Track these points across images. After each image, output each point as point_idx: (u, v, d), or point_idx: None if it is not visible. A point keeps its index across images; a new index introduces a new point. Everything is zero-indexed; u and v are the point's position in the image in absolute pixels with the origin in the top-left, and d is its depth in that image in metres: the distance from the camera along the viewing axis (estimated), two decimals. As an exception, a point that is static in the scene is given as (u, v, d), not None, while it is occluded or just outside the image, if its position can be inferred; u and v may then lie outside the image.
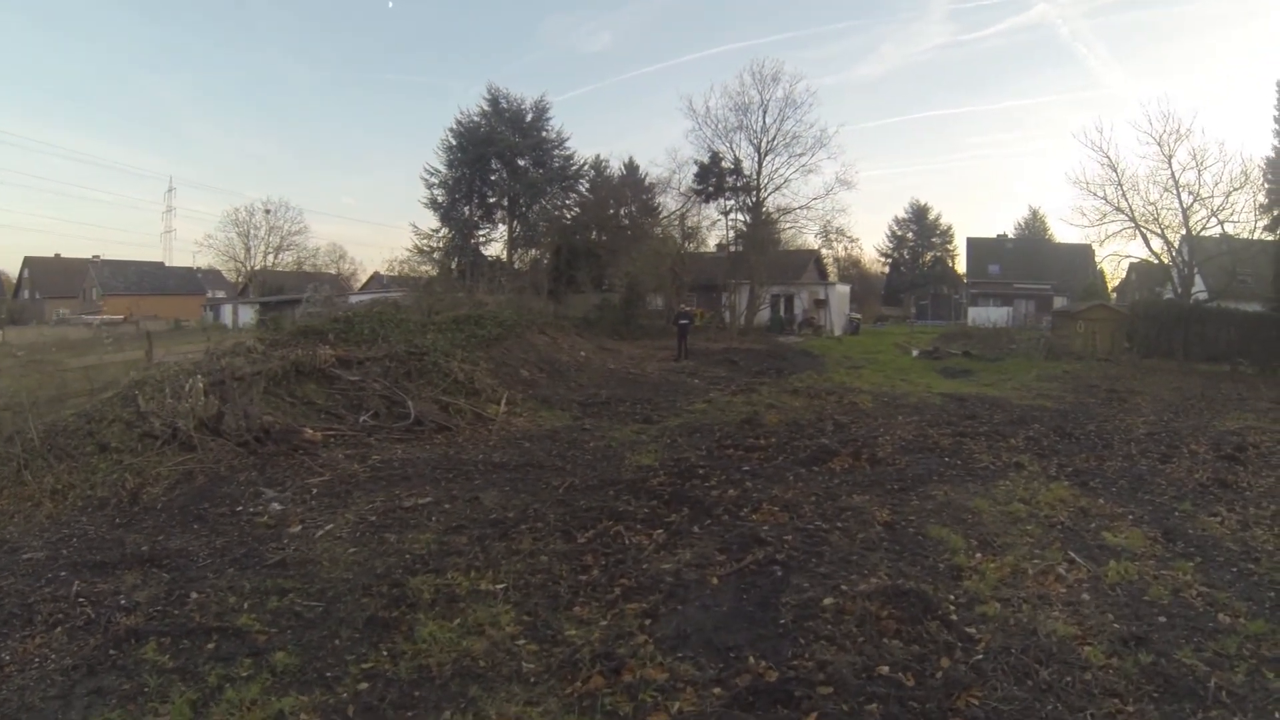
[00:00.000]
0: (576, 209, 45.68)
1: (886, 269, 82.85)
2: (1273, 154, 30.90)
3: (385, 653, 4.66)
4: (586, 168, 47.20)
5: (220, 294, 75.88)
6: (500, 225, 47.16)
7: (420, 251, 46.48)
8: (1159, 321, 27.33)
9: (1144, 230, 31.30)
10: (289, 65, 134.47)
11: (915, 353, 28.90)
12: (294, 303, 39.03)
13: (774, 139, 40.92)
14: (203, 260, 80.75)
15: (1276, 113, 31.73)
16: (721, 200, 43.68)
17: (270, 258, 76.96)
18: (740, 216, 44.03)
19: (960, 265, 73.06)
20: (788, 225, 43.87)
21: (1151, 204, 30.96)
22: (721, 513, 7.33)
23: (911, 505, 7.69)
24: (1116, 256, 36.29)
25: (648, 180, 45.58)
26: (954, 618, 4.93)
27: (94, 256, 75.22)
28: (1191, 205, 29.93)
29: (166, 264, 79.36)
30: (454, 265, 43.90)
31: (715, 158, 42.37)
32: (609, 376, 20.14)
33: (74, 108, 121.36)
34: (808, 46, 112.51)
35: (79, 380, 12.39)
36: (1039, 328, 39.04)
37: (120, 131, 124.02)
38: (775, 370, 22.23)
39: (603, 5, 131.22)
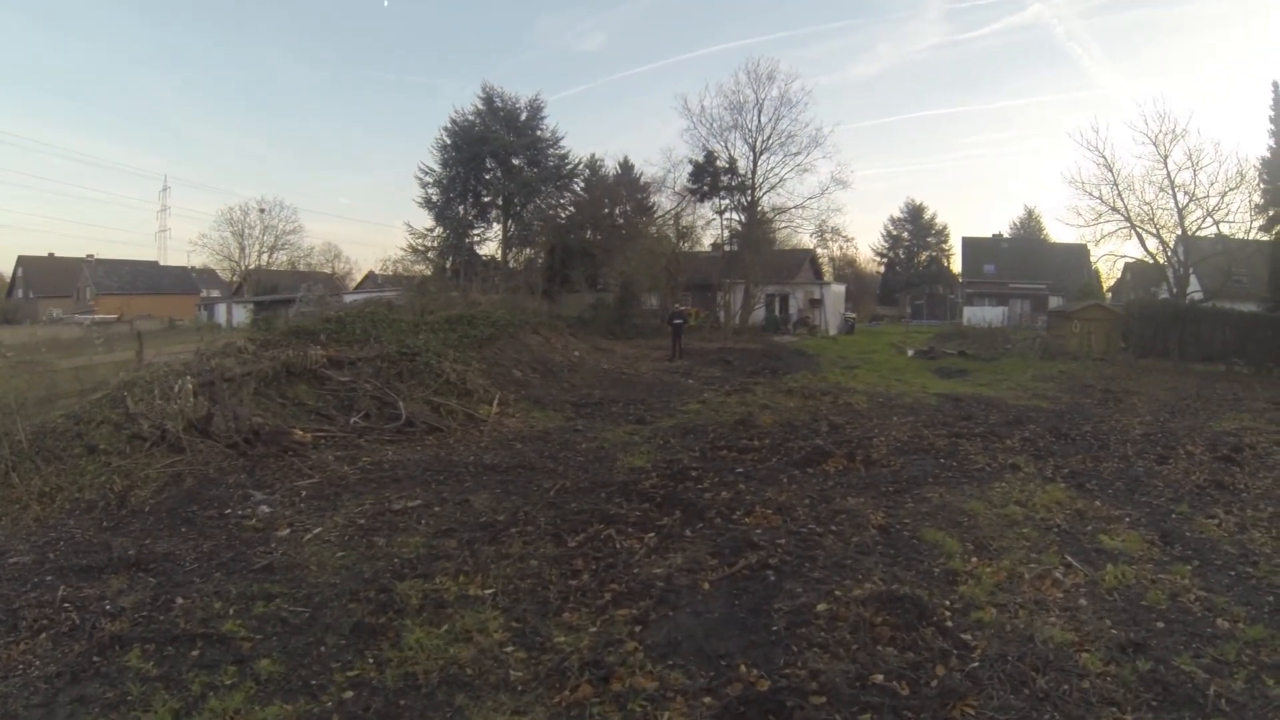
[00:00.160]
0: (571, 208, 45.52)
1: (882, 268, 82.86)
2: (1268, 154, 30.94)
3: (371, 660, 4.58)
4: (581, 167, 47.09)
5: (215, 293, 75.62)
6: (495, 224, 47.01)
7: (415, 251, 46.31)
8: (1154, 321, 27.33)
9: (1139, 230, 31.31)
10: (284, 64, 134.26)
11: (910, 353, 28.85)
12: (288, 302, 38.92)
13: (769, 138, 40.82)
14: (197, 259, 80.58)
15: (1272, 113, 31.80)
16: (716, 199, 43.51)
17: (265, 257, 76.73)
18: (735, 216, 43.90)
19: (955, 265, 73.17)
20: (783, 225, 43.77)
21: (1147, 204, 30.97)
22: (714, 516, 7.27)
23: (906, 508, 7.62)
24: (1112, 256, 36.38)
25: (642, 179, 45.47)
26: (949, 624, 4.87)
27: (88, 256, 74.94)
28: (1187, 205, 29.95)
29: (161, 263, 79.13)
30: (448, 265, 43.71)
31: (710, 157, 42.24)
32: (602, 377, 20.06)
33: (69, 106, 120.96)
34: (803, 46, 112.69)
35: (69, 381, 12.28)
36: (1034, 327, 39.04)
37: (115, 130, 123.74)
38: (770, 370, 22.16)
39: (597, 4, 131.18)
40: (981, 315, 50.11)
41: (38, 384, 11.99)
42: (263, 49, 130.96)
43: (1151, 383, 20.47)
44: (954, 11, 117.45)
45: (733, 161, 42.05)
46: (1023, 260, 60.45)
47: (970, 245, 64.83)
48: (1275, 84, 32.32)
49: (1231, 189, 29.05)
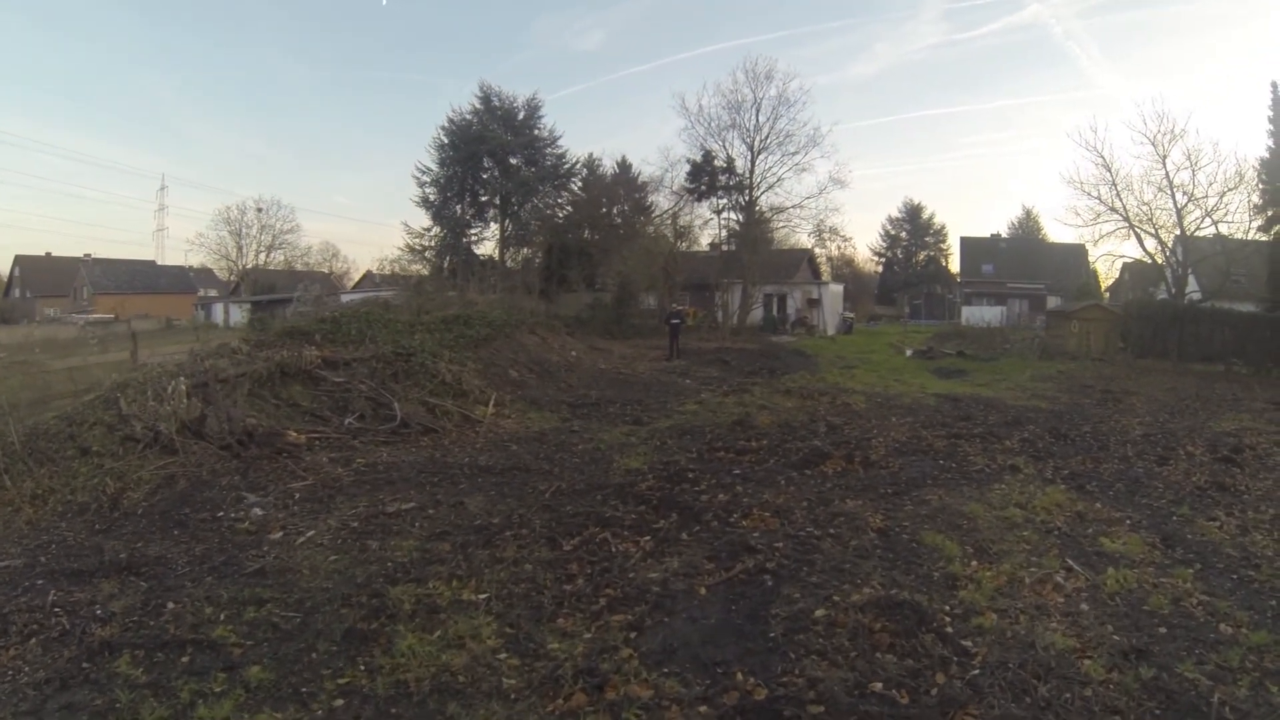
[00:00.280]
0: (569, 208, 45.51)
1: (880, 268, 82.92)
2: (1267, 154, 30.93)
3: (362, 667, 4.50)
4: (579, 166, 47.07)
5: (212, 293, 75.55)
6: (492, 224, 46.95)
7: (412, 250, 46.28)
8: (1153, 322, 27.29)
9: (1138, 230, 31.28)
10: (282, 63, 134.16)
11: (909, 352, 28.82)
12: (285, 302, 38.84)
13: (767, 137, 40.75)
14: (195, 259, 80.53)
15: (1271, 113, 31.80)
16: (714, 199, 43.48)
17: (262, 256, 76.69)
18: (733, 215, 43.89)
19: (954, 264, 73.21)
20: (781, 224, 43.77)
21: (1146, 204, 30.94)
22: (711, 518, 7.19)
23: (905, 510, 7.55)
24: (1110, 256, 36.36)
25: (640, 179, 45.50)
26: (949, 630, 4.79)
27: (85, 255, 74.86)
28: (1186, 205, 29.92)
29: (159, 262, 79.05)
30: (446, 264, 43.66)
31: (708, 156, 42.20)
32: (599, 377, 19.98)
33: (67, 106, 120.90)
34: (801, 45, 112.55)
35: (63, 382, 12.23)
36: (1033, 327, 39.00)
37: (113, 129, 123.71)
38: (768, 370, 22.10)
39: (595, 4, 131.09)
40: (980, 315, 50.06)
41: (31, 385, 11.95)
42: (261, 48, 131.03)
43: (1150, 383, 20.43)
44: (952, 11, 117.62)
45: (730, 161, 42.03)
46: (1021, 260, 60.47)
47: (968, 245, 64.88)
48: (1274, 84, 32.36)
49: (1230, 189, 29.05)
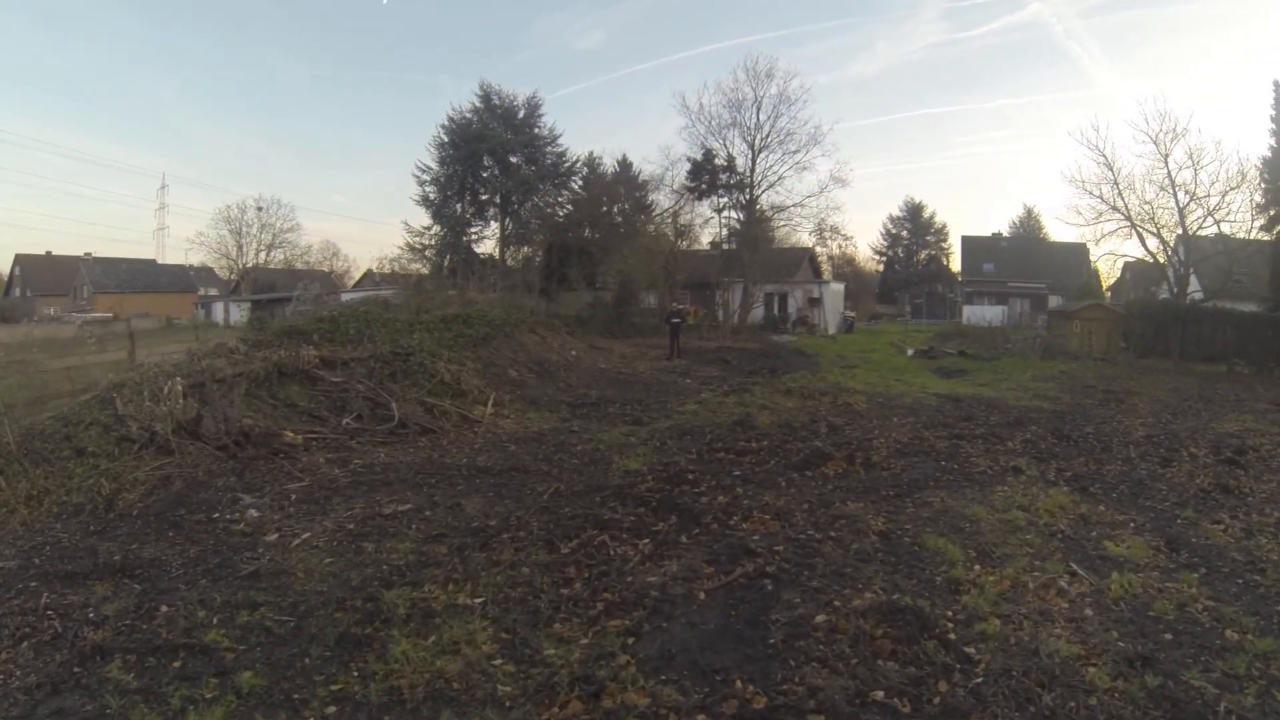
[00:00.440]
0: (569, 206, 45.43)
1: (881, 267, 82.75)
2: (1269, 153, 30.75)
3: (356, 673, 4.44)
4: (579, 165, 47.01)
5: (213, 291, 75.50)
6: (492, 223, 46.94)
7: (412, 249, 46.28)
8: (1155, 321, 27.21)
9: (1140, 229, 31.20)
10: (282, 63, 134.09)
11: (910, 352, 28.73)
12: (285, 301, 38.78)
13: (768, 136, 40.66)
14: (195, 258, 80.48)
15: (1273, 112, 31.59)
16: (715, 198, 43.44)
17: (262, 255, 76.71)
18: (734, 214, 43.85)
19: (955, 263, 73.10)
20: (782, 223, 43.67)
21: (1147, 203, 30.87)
22: (710, 521, 7.12)
23: (907, 513, 7.48)
24: (1112, 256, 36.27)
25: (641, 177, 45.39)
26: (952, 636, 4.72)
27: (85, 254, 74.77)
28: (1188, 205, 29.84)
29: (159, 261, 78.97)
30: (446, 263, 43.63)
31: (709, 155, 42.14)
32: (599, 376, 19.90)
33: (67, 105, 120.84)
34: (802, 44, 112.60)
35: (60, 381, 12.16)
36: (1034, 327, 38.92)
37: (113, 128, 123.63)
38: (768, 370, 22.03)
39: (595, 3, 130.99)
40: (981, 314, 49.99)
41: (28, 384, 11.89)
42: (261, 48, 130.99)
43: (1153, 383, 20.35)
44: (952, 10, 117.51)
45: (731, 159, 41.98)
46: (1022, 259, 60.36)
47: (969, 244, 64.76)
48: (1276, 83, 32.11)
49: (1232, 188, 28.98)
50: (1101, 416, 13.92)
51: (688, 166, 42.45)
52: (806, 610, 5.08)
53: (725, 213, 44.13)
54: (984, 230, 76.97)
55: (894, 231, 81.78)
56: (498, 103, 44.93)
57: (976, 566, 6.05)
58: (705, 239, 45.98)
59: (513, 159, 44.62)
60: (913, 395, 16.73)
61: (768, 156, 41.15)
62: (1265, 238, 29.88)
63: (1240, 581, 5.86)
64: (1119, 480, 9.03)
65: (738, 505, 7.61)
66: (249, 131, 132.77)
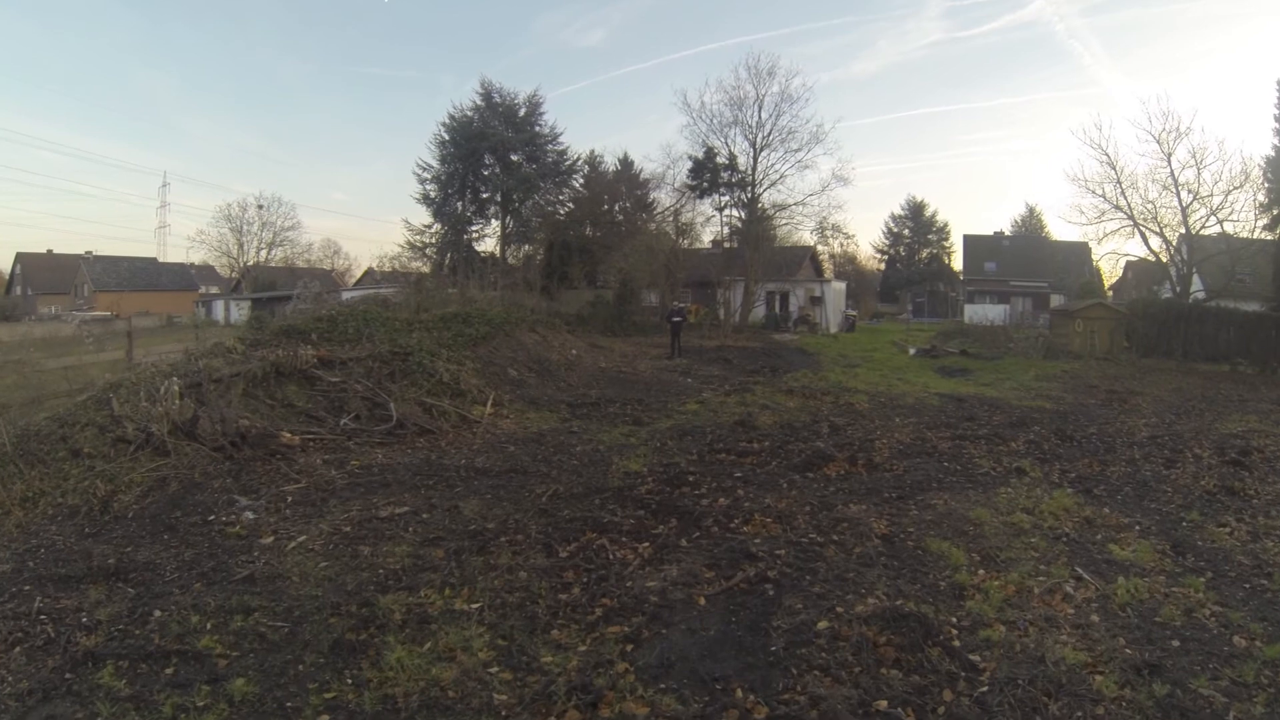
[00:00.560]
0: (570, 205, 45.38)
1: (882, 266, 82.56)
2: (1273, 153, 30.56)
3: (350, 681, 4.36)
4: (580, 163, 47.00)
5: (214, 290, 75.55)
6: (493, 221, 46.95)
7: (413, 247, 46.28)
8: (1158, 321, 27.11)
9: (1143, 228, 31.17)
10: (284, 61, 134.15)
11: (912, 351, 28.63)
12: (285, 299, 38.74)
13: (769, 134, 40.57)
14: (196, 256, 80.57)
15: (1277, 111, 31.43)
16: (716, 196, 43.37)
17: (263, 253, 76.70)
18: (735, 212, 43.76)
19: (957, 262, 72.95)
20: (783, 221, 43.50)
21: (1150, 202, 30.85)
22: (711, 524, 7.03)
23: (910, 515, 7.40)
24: (1114, 255, 36.25)
25: (642, 176, 45.33)
26: (957, 644, 4.64)
27: (86, 252, 74.79)
28: (1191, 204, 29.82)
29: (160, 260, 78.95)
30: (446, 261, 43.59)
31: (710, 153, 42.04)
32: (600, 375, 19.81)
33: (68, 103, 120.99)
34: (803, 42, 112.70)
35: (57, 381, 12.07)
36: (1036, 325, 38.80)
37: (114, 127, 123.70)
38: (770, 369, 21.96)
39: (596, 1, 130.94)
40: (983, 313, 49.85)
41: (25, 384, 11.80)
42: (263, 46, 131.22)
43: (1155, 383, 20.26)
44: (954, 9, 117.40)
45: (733, 158, 41.90)
46: (1024, 258, 60.26)
47: (971, 242, 64.65)
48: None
49: (1235, 188, 28.96)
50: (1105, 417, 13.84)
51: (689, 165, 42.44)
52: (808, 616, 5.00)
53: (727, 211, 44.12)
54: (986, 229, 77.09)
55: (896, 230, 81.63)
56: (499, 101, 44.89)
57: (981, 571, 5.97)
58: (707, 237, 45.93)
59: (514, 157, 44.59)
60: (915, 395, 16.66)
61: (769, 155, 41.13)
62: (1268, 237, 29.79)
63: (1247, 586, 5.79)
64: (1123, 482, 8.95)
65: (739, 508, 7.53)
66: (250, 129, 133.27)
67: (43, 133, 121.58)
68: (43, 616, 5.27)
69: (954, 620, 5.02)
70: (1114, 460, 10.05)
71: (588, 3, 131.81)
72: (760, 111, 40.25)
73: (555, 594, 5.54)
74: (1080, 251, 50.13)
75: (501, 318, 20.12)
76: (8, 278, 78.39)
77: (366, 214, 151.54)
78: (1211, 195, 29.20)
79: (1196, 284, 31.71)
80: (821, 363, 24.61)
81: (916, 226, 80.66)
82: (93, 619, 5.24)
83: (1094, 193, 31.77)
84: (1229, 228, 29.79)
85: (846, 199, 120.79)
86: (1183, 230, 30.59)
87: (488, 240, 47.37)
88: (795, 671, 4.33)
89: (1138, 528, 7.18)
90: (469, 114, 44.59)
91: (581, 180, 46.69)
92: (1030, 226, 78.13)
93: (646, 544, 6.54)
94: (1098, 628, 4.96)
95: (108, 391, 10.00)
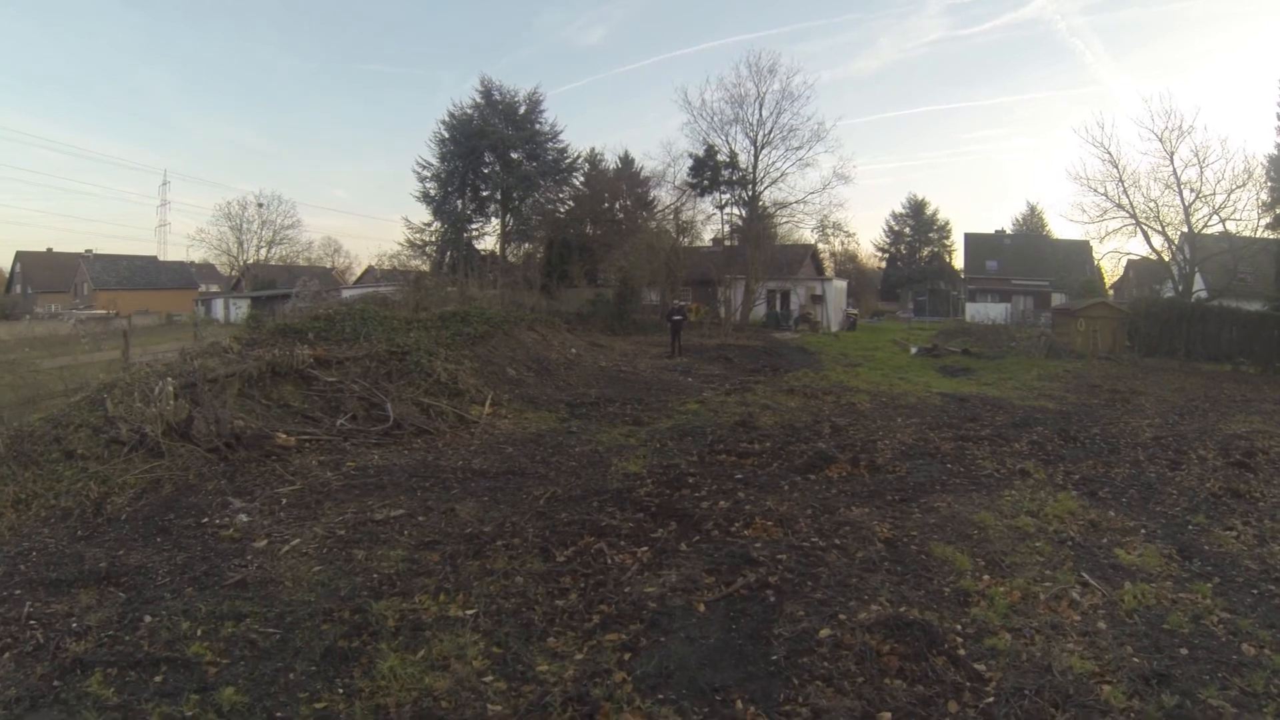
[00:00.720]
0: (570, 203, 45.21)
1: (884, 264, 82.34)
2: (1275, 151, 30.46)
3: (341, 690, 4.27)
4: (581, 161, 46.83)
5: (214, 288, 75.42)
6: (493, 219, 46.83)
7: (412, 245, 46.15)
8: (1160, 320, 27.00)
9: (1145, 227, 31.07)
10: (283, 58, 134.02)
11: (914, 350, 28.52)
12: (285, 297, 38.65)
13: (770, 132, 40.53)
14: (196, 254, 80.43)
15: (1279, 110, 31.38)
16: (717, 194, 43.25)
17: (263, 251, 76.58)
18: (736, 210, 43.68)
19: (958, 261, 72.75)
20: (784, 220, 43.44)
21: (1152, 201, 30.72)
22: (711, 527, 6.94)
23: (913, 519, 7.30)
24: (1116, 254, 36.10)
25: (642, 174, 45.16)
26: (962, 652, 4.54)
27: (86, 251, 74.71)
28: (1193, 202, 29.69)
29: (160, 258, 78.83)
30: (446, 259, 43.48)
31: (711, 151, 41.94)
32: (599, 375, 19.69)
33: (68, 102, 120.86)
34: (804, 40, 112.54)
35: (53, 381, 11.95)
36: (1038, 324, 38.69)
37: (114, 125, 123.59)
38: (771, 368, 21.85)
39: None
40: (984, 312, 49.80)
41: (20, 384, 11.69)
42: (262, 43, 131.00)
43: (1158, 382, 20.15)
44: (955, 6, 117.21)
45: (733, 155, 41.80)
46: (1025, 257, 60.14)
47: (972, 241, 64.54)
48: (1282, 79, 31.92)
49: (1238, 186, 28.83)
50: (1108, 417, 13.73)
51: (690, 162, 42.33)
52: (810, 624, 4.90)
53: (727, 209, 44.01)
54: (987, 227, 76.82)
55: (897, 228, 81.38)
56: (499, 99, 44.75)
57: (985, 576, 5.88)
58: (707, 235, 45.84)
59: (514, 155, 44.44)
60: (917, 395, 16.55)
61: (770, 153, 41.06)
62: (1271, 236, 29.68)
63: (1255, 592, 5.69)
64: (1128, 484, 8.85)
65: (739, 511, 7.44)
66: (250, 127, 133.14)
67: (43, 131, 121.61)
68: (32, 622, 5.18)
69: (959, 628, 4.93)
70: (1118, 462, 9.95)
71: (589, 0, 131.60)
72: (761, 109, 40.24)
73: (552, 600, 5.44)
74: (1082, 250, 50.03)
75: (500, 316, 20.01)
76: (8, 276, 78.29)
77: (367, 212, 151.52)
78: (1214, 194, 29.13)
79: (1199, 283, 31.60)
80: (823, 362, 24.51)
81: (917, 225, 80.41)
82: (83, 624, 5.15)
83: (1096, 191, 31.70)
84: (1231, 226, 29.71)
85: (847, 197, 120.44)
86: (1185, 229, 30.48)
87: (488, 238, 47.31)
88: (797, 682, 4.24)
89: (1143, 531, 7.09)
90: (469, 112, 44.47)
91: (582, 178, 46.54)
92: (1031, 225, 77.94)
93: (645, 548, 6.44)
94: (1105, 635, 4.87)
95: (102, 392, 9.91)
